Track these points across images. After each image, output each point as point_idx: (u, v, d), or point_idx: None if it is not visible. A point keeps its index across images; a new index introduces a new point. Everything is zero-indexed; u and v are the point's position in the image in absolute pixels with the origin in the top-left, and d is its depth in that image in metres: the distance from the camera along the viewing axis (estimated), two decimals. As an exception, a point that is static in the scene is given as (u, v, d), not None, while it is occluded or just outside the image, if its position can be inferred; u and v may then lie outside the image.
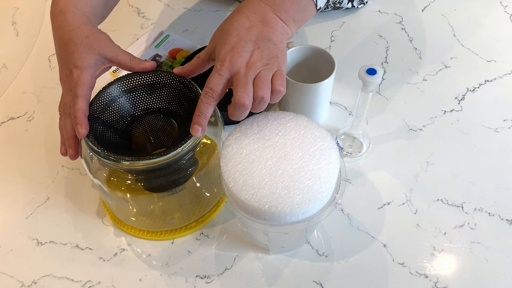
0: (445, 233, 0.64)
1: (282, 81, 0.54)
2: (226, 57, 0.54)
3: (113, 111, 0.60)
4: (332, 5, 0.90)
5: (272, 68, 0.55)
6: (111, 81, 0.60)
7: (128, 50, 0.88)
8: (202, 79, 0.80)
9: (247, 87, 0.53)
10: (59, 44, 0.60)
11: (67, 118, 0.57)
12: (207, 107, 0.55)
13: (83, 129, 0.54)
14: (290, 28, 0.59)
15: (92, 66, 0.58)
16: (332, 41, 0.88)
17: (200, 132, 0.54)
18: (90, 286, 0.61)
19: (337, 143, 0.73)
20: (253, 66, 0.54)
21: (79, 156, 0.59)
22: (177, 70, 0.61)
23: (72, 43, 0.58)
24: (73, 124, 0.55)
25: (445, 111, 0.77)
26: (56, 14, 0.61)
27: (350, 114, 0.77)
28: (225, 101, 0.77)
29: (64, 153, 0.60)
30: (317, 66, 0.72)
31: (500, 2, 0.94)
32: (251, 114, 0.55)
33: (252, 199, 0.49)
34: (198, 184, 0.64)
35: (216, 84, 0.54)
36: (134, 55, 0.87)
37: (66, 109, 0.58)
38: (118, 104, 0.60)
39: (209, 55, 0.59)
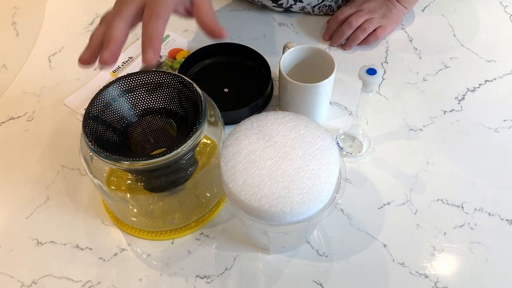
0: (445, 233, 0.64)
1: (382, 33, 0.85)
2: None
3: (113, 111, 0.60)
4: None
5: (381, 22, 0.85)
6: (111, 81, 0.60)
7: (128, 50, 0.89)
8: (203, 79, 0.81)
9: (361, 17, 0.84)
10: None
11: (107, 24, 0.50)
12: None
13: (155, 54, 0.47)
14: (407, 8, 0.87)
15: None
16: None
17: None
18: (90, 286, 0.61)
19: (337, 143, 0.73)
20: (373, 10, 0.85)
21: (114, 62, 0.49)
22: None
23: None
24: (144, 45, 0.48)
25: (445, 111, 0.77)
26: None
27: (350, 114, 0.77)
28: (225, 101, 0.77)
29: (85, 60, 0.49)
30: (317, 66, 0.72)
31: (500, 2, 0.94)
32: (252, 113, 0.55)
33: (252, 199, 0.49)
34: (198, 184, 0.64)
35: (345, 12, 0.86)
36: (134, 55, 0.88)
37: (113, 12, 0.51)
38: (118, 104, 0.60)
39: None
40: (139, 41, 0.91)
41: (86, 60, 0.49)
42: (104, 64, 0.46)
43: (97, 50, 0.49)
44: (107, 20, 0.50)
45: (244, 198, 0.49)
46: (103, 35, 0.49)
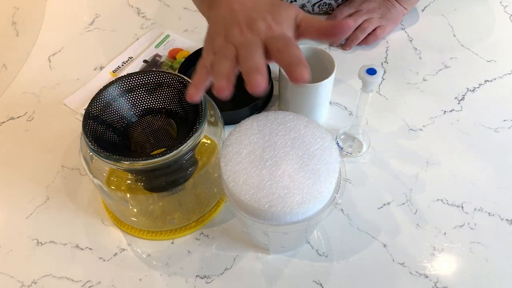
0: (445, 233, 0.64)
1: (382, 33, 0.85)
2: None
3: (113, 111, 0.60)
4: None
5: (380, 22, 0.85)
6: (111, 81, 0.60)
7: (128, 50, 0.89)
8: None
9: (360, 17, 0.84)
10: None
11: (226, 60, 0.44)
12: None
13: (309, 72, 0.42)
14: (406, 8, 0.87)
15: (293, 32, 0.48)
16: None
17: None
18: (90, 286, 0.61)
19: (337, 143, 0.73)
20: (372, 10, 0.86)
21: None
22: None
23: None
24: (295, 62, 0.42)
25: (445, 111, 0.77)
26: None
27: (350, 114, 0.77)
28: (225, 101, 0.77)
29: (223, 87, 0.43)
30: (317, 66, 0.72)
31: (500, 2, 0.94)
32: (252, 113, 0.55)
33: (252, 199, 0.49)
34: (198, 184, 0.64)
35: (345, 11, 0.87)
36: (134, 55, 0.88)
37: (225, 52, 0.45)
38: (118, 104, 0.60)
39: None
40: (139, 41, 0.91)
41: (226, 87, 0.44)
42: (258, 89, 0.42)
43: (233, 80, 0.45)
44: (233, 57, 0.45)
45: (244, 198, 0.49)
46: (233, 68, 0.45)
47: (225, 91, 0.43)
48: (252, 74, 0.42)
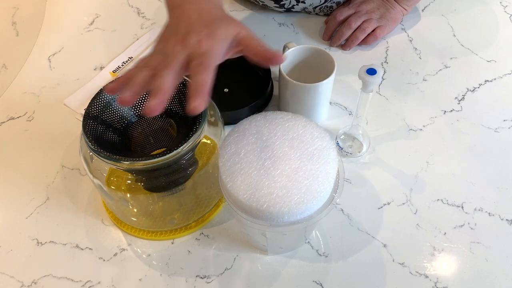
0: (445, 233, 0.64)
1: (381, 33, 0.86)
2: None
3: (113, 111, 0.60)
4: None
5: (380, 22, 0.86)
6: (111, 81, 0.60)
7: (128, 50, 0.89)
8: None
9: (359, 18, 0.85)
10: (190, 10, 0.51)
11: (143, 72, 0.48)
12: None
13: (203, 104, 0.45)
14: (406, 9, 0.88)
15: (226, 46, 0.50)
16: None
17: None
18: (90, 286, 0.61)
19: (337, 143, 0.73)
20: (371, 11, 0.86)
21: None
22: None
23: (212, 14, 0.51)
24: (192, 92, 0.45)
25: (445, 111, 0.77)
26: None
27: (350, 114, 0.77)
28: (225, 101, 0.77)
29: (127, 100, 0.46)
30: (317, 66, 0.72)
31: (500, 2, 0.94)
32: (252, 113, 0.55)
33: (250, 198, 0.49)
34: (198, 184, 0.64)
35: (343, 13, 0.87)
36: (134, 55, 0.88)
37: (150, 61, 0.48)
38: (118, 104, 0.60)
39: None
40: (139, 41, 0.91)
41: (128, 100, 0.47)
42: (151, 111, 0.45)
43: (139, 93, 0.48)
44: (153, 66, 0.48)
45: (242, 198, 0.49)
46: (146, 81, 0.48)
47: (128, 101, 0.46)
48: (152, 95, 0.45)
